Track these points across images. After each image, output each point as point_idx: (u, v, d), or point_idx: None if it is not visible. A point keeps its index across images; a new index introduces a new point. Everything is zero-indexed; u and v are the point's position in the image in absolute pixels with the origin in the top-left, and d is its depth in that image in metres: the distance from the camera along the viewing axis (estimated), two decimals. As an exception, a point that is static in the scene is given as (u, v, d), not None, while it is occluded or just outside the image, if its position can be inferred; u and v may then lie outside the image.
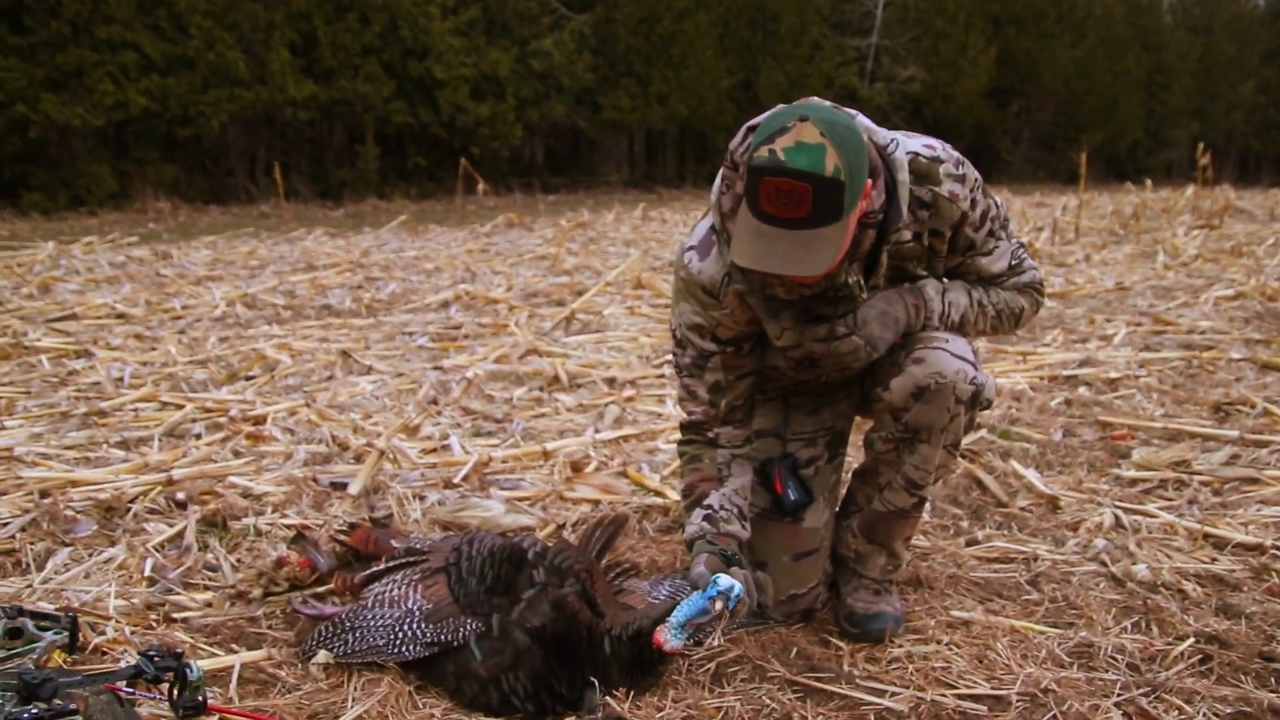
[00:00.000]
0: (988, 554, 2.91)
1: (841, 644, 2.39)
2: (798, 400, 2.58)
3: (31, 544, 2.80)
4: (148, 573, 2.66)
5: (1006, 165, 30.86)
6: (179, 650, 1.97)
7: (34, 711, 1.76)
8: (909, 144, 2.22)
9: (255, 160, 17.76)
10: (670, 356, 2.44)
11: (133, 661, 1.99)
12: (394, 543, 2.54)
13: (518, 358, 5.26)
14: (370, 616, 2.23)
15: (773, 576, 2.46)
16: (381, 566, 2.40)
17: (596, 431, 3.92)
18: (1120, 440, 3.94)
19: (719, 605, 2.05)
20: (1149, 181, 17.47)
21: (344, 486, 3.27)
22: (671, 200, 20.18)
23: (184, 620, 2.43)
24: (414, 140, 19.54)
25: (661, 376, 4.89)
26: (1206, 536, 3.00)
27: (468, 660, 2.08)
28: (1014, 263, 2.39)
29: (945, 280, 2.37)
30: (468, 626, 2.12)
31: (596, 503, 3.26)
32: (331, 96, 17.38)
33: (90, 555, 2.77)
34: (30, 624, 2.17)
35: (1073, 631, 2.44)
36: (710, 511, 2.33)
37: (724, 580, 2.08)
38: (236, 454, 3.65)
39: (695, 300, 2.30)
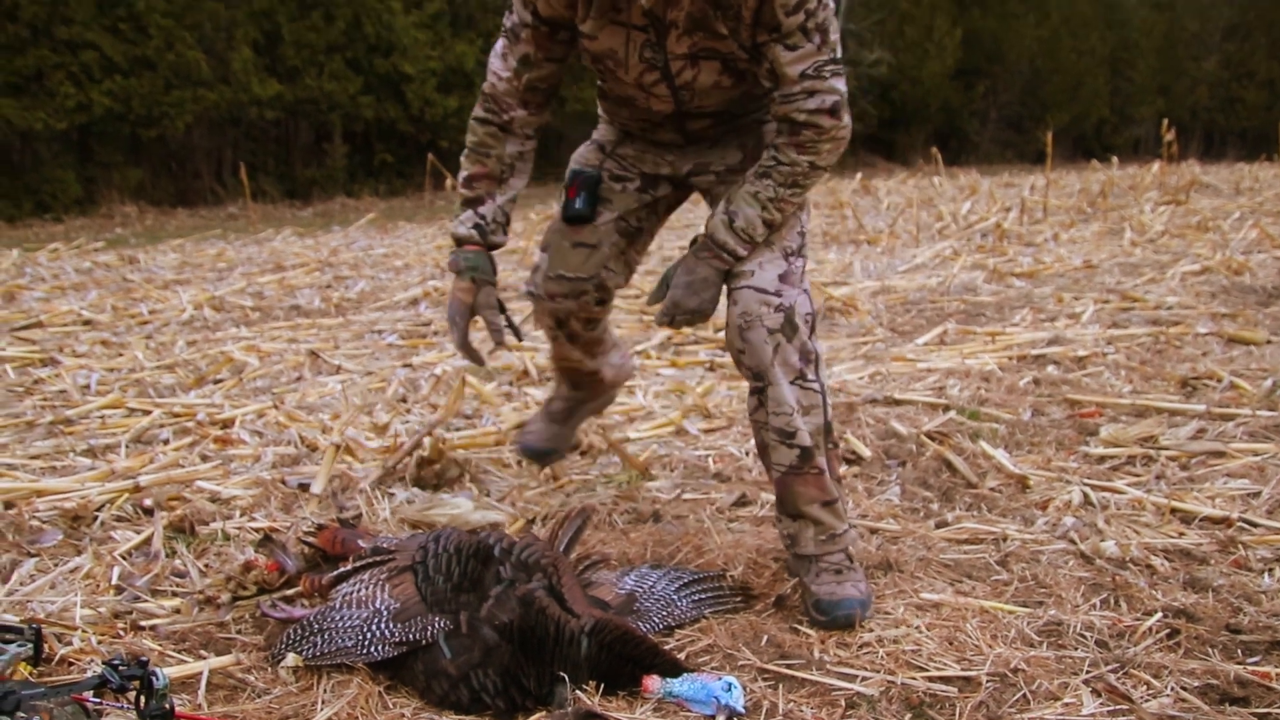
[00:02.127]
0: (957, 535, 2.92)
1: (811, 631, 2.39)
2: None
3: (-4, 555, 2.78)
4: (115, 581, 2.63)
5: (974, 146, 30.94)
6: (144, 658, 1.95)
7: (-4, 725, 1.75)
8: None
9: (222, 161, 17.57)
10: None
11: (97, 671, 1.97)
12: (361, 542, 2.53)
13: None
14: (338, 617, 2.22)
15: (549, 254, 2.79)
16: (349, 567, 2.39)
17: (566, 424, 3.91)
18: (1088, 418, 3.96)
19: (719, 718, 2.02)
20: (1115, 159, 17.54)
21: (309, 486, 3.26)
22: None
23: (152, 628, 2.41)
24: (381, 137, 19.40)
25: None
26: (1174, 511, 3.02)
27: (437, 658, 2.07)
28: (811, 70, 2.35)
29: (727, 206, 2.48)
30: (436, 624, 2.11)
31: (569, 496, 3.25)
32: (297, 95, 17.23)
33: (56, 565, 2.74)
34: (-7, 637, 2.15)
35: (1042, 610, 2.45)
36: (481, 222, 2.65)
37: (738, 692, 2.03)
38: (204, 458, 3.63)
39: None
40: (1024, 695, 2.09)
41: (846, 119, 2.42)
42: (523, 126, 2.64)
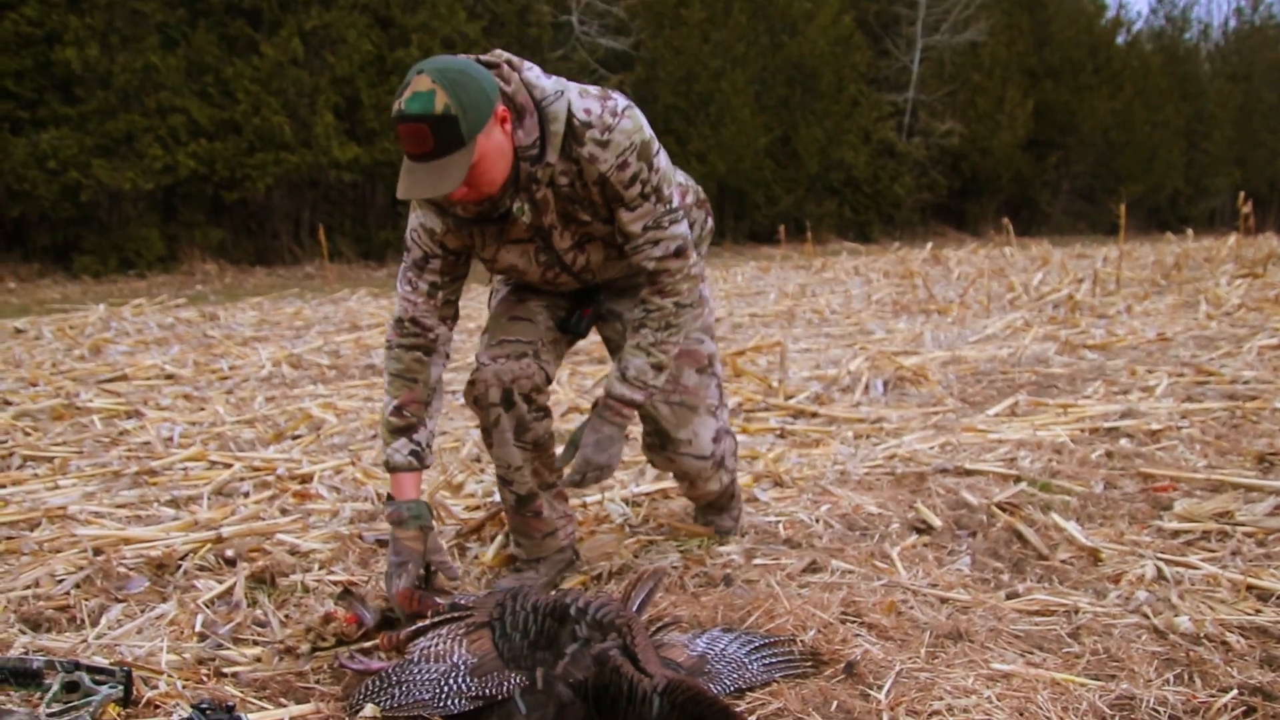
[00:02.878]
0: (1028, 606, 2.91)
1: (882, 697, 2.40)
2: None
3: (86, 600, 2.87)
4: (198, 628, 2.71)
5: (1046, 217, 30.81)
6: (230, 704, 2.01)
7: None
8: (576, 103, 2.59)
9: (300, 222, 18.00)
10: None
11: (185, 714, 2.04)
12: (439, 598, 2.58)
13: (560, 415, 5.31)
14: (416, 671, 2.27)
15: (490, 332, 3.00)
16: (427, 622, 2.44)
17: (636, 486, 3.96)
18: (1162, 492, 3.93)
19: None
20: (1190, 231, 17.39)
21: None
22: (711, 257, 20.26)
23: (234, 675, 2.48)
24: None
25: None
26: (1250, 588, 2.99)
27: (512, 713, 2.11)
28: (651, 223, 2.69)
29: (618, 365, 2.84)
30: (512, 680, 2.15)
31: (636, 556, 3.29)
32: (374, 158, 17.63)
33: (142, 611, 2.83)
34: (86, 678, 2.22)
35: (1114, 684, 2.44)
36: (418, 448, 2.81)
37: None
38: (284, 512, 3.72)
39: (427, 211, 2.75)
40: (1096, 769, 2.08)
41: (693, 256, 2.77)
42: (444, 344, 2.87)
